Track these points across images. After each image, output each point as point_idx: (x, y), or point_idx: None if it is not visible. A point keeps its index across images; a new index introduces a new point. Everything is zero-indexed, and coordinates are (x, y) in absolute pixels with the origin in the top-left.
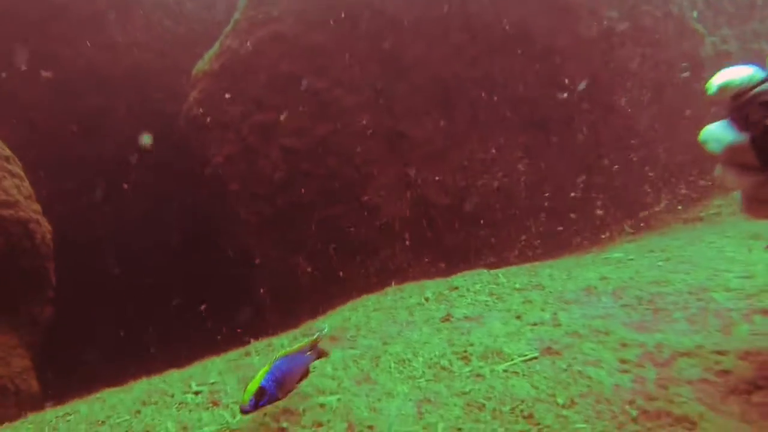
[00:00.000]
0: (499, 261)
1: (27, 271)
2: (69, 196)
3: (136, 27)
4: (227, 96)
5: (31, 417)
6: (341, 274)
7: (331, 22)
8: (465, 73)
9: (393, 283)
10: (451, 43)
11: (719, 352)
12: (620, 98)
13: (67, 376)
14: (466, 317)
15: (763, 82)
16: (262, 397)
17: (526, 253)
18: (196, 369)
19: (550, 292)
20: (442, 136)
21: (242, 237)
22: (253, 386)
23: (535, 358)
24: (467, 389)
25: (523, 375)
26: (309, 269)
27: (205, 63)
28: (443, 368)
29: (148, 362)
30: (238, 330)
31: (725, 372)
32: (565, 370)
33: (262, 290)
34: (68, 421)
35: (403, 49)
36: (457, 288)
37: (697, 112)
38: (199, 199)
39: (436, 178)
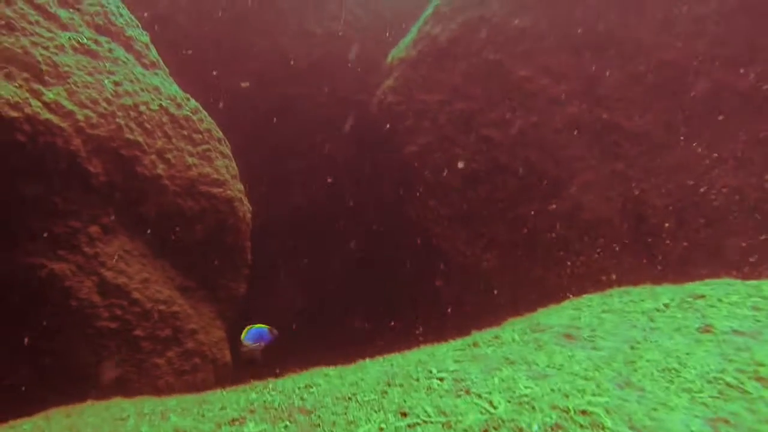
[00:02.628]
0: (723, 274)
1: (229, 248)
2: (263, 180)
3: (329, 16)
4: (424, 84)
5: (272, 384)
6: (534, 274)
7: (541, 4)
8: (706, 53)
9: (591, 289)
10: (690, 17)
11: None
12: None
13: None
14: (735, 331)
15: None
16: None
17: (759, 269)
18: (420, 355)
19: None
20: (664, 128)
21: (432, 229)
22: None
23: None
24: None
25: None
26: (499, 267)
27: (401, 50)
28: (730, 386)
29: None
30: (417, 332)
31: None
32: None
33: (448, 285)
34: (312, 393)
35: (623, 30)
36: (703, 296)
37: None
38: (389, 189)
39: (656, 176)
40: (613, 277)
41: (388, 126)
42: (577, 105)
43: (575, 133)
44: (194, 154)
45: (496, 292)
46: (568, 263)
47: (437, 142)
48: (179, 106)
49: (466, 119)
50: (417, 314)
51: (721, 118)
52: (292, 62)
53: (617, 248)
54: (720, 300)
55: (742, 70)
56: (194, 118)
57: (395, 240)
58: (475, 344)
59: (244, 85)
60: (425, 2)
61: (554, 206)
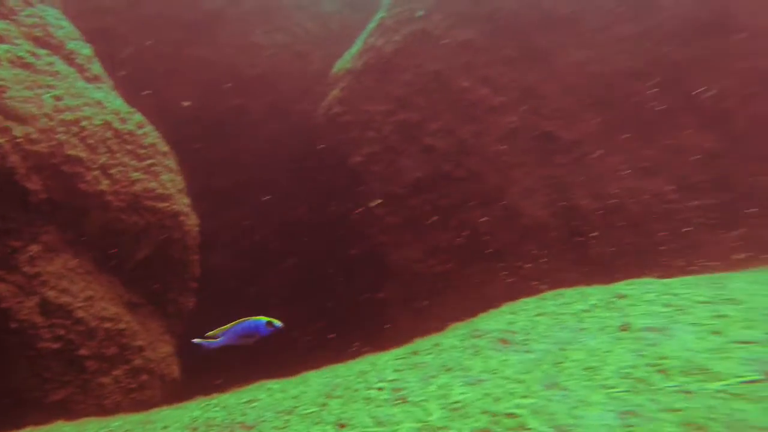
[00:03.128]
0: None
1: (176, 262)
2: (208, 192)
3: (275, 28)
4: (369, 95)
5: (215, 400)
6: (475, 280)
7: (480, 18)
8: (631, 69)
9: (527, 293)
10: (617, 36)
11: None
12: None
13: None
14: (648, 328)
15: None
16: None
17: (689, 268)
18: (362, 365)
19: (752, 307)
20: (592, 137)
21: (377, 237)
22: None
23: (759, 381)
24: (677, 406)
25: (751, 399)
26: (444, 272)
27: (346, 61)
28: (640, 380)
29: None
30: (356, 344)
31: None
32: None
33: (390, 293)
34: (254, 407)
35: (558, 45)
36: (625, 296)
37: None
38: (335, 198)
39: (586, 183)
40: (545, 285)
41: (333, 136)
42: (515, 114)
43: (514, 141)
44: (139, 169)
45: (438, 298)
46: (506, 272)
47: (382, 152)
48: (123, 120)
49: (410, 129)
50: (357, 324)
51: (638, 128)
52: (237, 74)
53: (552, 252)
54: (639, 299)
55: (654, 89)
56: (139, 132)
57: (338, 251)
58: (416, 352)
59: (185, 104)
60: (372, 15)
61: (494, 212)
